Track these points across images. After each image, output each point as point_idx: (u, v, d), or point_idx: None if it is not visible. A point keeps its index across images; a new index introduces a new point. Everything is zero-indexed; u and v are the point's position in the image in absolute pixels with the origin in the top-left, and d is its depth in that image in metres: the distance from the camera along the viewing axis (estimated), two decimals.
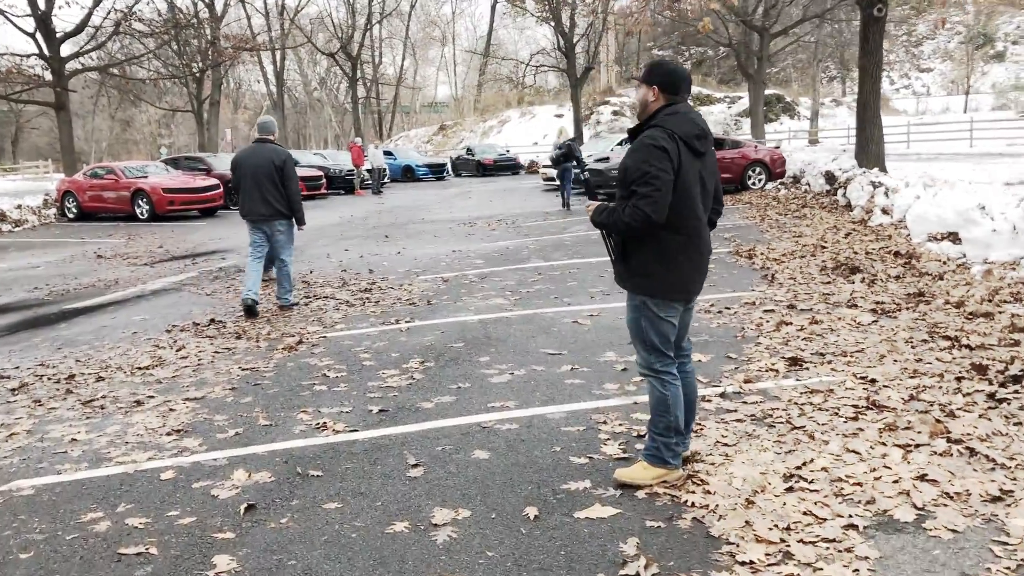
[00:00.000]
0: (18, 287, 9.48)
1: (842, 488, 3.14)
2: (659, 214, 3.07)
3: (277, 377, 5.18)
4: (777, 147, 21.37)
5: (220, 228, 15.69)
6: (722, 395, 4.34)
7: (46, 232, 16.64)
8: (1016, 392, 4.08)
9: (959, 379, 4.35)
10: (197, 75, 29.33)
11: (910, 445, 3.51)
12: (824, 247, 9.16)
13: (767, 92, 33.02)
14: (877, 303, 6.31)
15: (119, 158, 53.91)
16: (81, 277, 10.02)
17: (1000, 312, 5.72)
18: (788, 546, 2.72)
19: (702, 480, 3.28)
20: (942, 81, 64.76)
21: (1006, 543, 2.68)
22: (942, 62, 65.99)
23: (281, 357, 5.70)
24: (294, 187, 7.26)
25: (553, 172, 18.59)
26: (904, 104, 54.65)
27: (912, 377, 4.44)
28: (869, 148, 14.91)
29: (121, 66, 25.83)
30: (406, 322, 6.59)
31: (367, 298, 7.76)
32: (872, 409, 3.99)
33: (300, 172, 14.93)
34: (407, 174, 30.30)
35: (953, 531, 2.79)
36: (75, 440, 4.20)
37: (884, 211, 11.25)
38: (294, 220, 7.39)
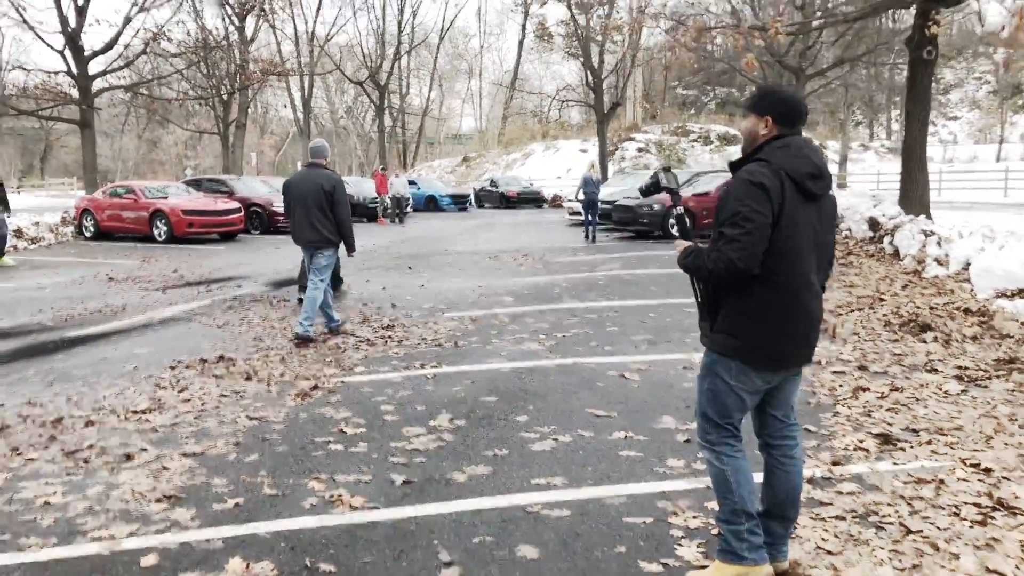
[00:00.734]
0: (22, 310, 8.98)
1: None
2: (747, 262, 2.48)
3: (288, 431, 4.57)
4: None
5: (239, 253, 15.23)
6: (810, 480, 3.66)
7: (61, 251, 16.26)
8: None
9: None
10: (224, 98, 29.26)
11: None
12: (882, 299, 8.47)
13: None
14: (960, 368, 5.62)
15: (145, 178, 54.18)
16: (88, 301, 9.51)
17: None
18: None
19: None
20: (969, 130, 64.03)
21: None
22: (969, 110, 65.35)
23: (294, 405, 5.09)
24: (344, 213, 7.02)
25: (579, 206, 18.09)
26: (931, 152, 53.88)
27: None
28: (914, 194, 14.25)
29: (148, 86, 25.73)
30: (432, 367, 5.97)
31: (389, 336, 7.15)
32: (1000, 510, 3.30)
33: None
34: (430, 204, 29.95)
35: None
36: (49, 504, 3.59)
37: (939, 262, 10.55)
38: (344, 246, 7.18)
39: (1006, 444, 4.09)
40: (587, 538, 3.16)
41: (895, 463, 3.89)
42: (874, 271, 10.73)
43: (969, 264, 9.45)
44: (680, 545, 3.07)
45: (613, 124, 38.44)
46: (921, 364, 5.79)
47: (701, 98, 56.82)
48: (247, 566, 2.96)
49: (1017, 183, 28.17)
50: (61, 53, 22.07)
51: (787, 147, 2.64)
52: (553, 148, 42.86)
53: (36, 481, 3.87)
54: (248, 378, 5.78)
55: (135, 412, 4.97)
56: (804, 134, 2.77)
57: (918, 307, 7.95)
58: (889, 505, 3.38)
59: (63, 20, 21.85)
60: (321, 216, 6.92)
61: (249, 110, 36.62)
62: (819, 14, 21.20)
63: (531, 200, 31.20)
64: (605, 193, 19.94)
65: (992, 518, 3.24)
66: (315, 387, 5.47)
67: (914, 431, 4.36)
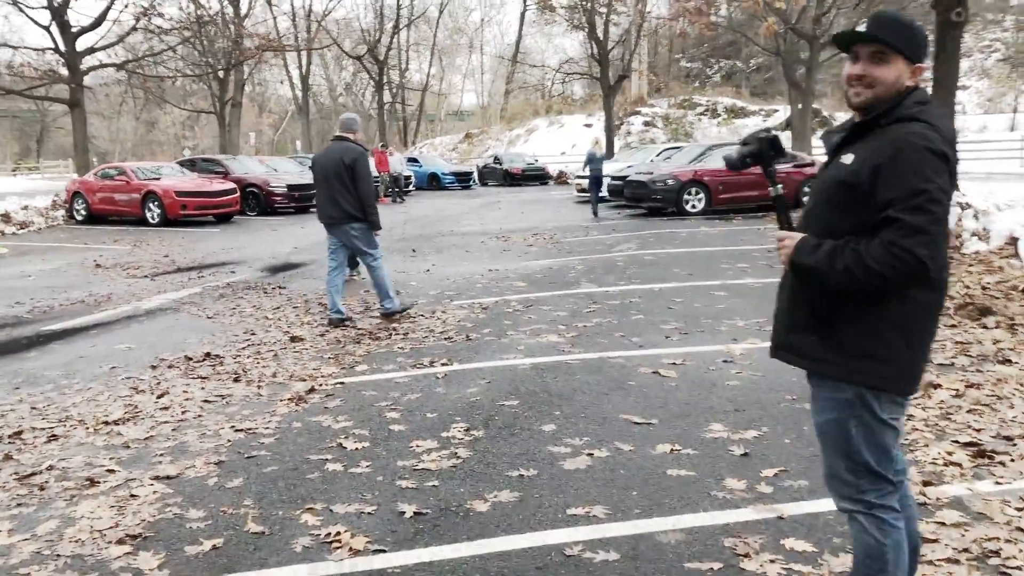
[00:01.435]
0: None
1: None
2: (937, 260, 1.83)
3: (278, 446, 3.95)
4: None
5: (235, 236, 14.57)
6: None
7: (50, 235, 15.62)
8: None
9: None
10: (220, 75, 28.39)
11: None
12: None
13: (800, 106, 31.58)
14: None
15: (143, 159, 53.35)
16: (71, 290, 8.89)
17: None
18: None
19: None
20: (979, 99, 62.66)
21: None
22: (979, 79, 63.97)
23: (286, 412, 4.47)
24: (366, 187, 6.61)
25: (586, 183, 17.53)
26: None
27: None
28: None
29: (141, 63, 24.87)
30: (442, 364, 5.35)
31: (394, 329, 6.53)
32: None
33: None
34: (433, 182, 29.24)
35: None
36: None
37: (978, 237, 9.87)
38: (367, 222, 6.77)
39: None
40: None
41: (997, 482, 3.27)
42: None
43: (1017, 239, 8.79)
44: None
45: (618, 98, 37.47)
46: (991, 354, 5.15)
47: (705, 70, 55.62)
48: None
49: None
50: (47, 29, 21.24)
51: (929, 104, 1.98)
52: (557, 123, 41.90)
53: None
54: (236, 379, 5.17)
55: (106, 423, 4.36)
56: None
57: (968, 287, 7.29)
58: (1010, 543, 2.76)
59: None
60: (343, 190, 6.57)
61: (246, 88, 35.72)
62: None
63: (536, 177, 30.47)
64: (613, 168, 19.29)
65: None
66: (311, 390, 4.86)
67: (1008, 439, 3.73)
